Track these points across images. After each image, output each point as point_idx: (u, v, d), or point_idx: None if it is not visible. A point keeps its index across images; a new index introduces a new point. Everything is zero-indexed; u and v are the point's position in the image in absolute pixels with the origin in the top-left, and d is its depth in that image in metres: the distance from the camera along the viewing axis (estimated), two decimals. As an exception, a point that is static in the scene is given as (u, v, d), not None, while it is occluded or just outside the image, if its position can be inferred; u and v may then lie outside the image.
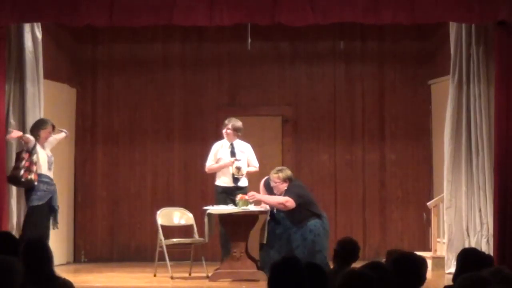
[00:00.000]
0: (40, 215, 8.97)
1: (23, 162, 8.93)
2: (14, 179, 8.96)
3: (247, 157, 9.93)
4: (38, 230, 8.80)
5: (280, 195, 9.16)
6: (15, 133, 9.08)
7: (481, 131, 9.37)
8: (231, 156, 9.82)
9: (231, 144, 9.89)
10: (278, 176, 9.20)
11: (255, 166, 9.94)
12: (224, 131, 9.91)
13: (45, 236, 8.82)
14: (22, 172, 8.89)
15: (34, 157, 8.98)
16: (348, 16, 8.88)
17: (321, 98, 11.98)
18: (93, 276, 9.88)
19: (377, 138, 11.91)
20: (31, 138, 9.08)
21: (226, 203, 9.61)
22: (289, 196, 9.04)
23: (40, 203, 8.97)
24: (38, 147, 9.09)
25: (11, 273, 4.14)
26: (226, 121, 9.98)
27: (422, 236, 11.74)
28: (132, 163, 11.88)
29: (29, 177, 8.90)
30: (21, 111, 9.34)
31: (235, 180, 9.75)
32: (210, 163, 9.92)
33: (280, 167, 9.50)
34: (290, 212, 9.01)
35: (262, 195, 9.28)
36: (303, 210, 9.01)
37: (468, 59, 9.49)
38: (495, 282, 3.79)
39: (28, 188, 9.01)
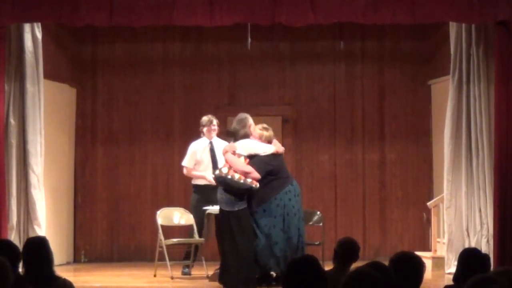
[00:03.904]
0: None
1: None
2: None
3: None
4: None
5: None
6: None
7: (481, 131, 9.36)
8: (211, 154, 9.80)
9: (210, 143, 9.88)
10: (262, 134, 8.84)
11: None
12: (207, 128, 9.83)
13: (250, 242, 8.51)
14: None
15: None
16: (348, 16, 8.88)
17: (321, 98, 11.98)
18: (93, 276, 9.88)
19: (377, 138, 11.92)
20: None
21: (199, 203, 9.62)
22: (253, 167, 8.58)
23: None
24: None
25: (3, 271, 4.13)
26: (206, 118, 9.92)
27: (422, 236, 11.75)
28: (132, 163, 11.89)
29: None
30: (21, 111, 9.33)
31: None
32: (190, 166, 9.85)
33: (267, 126, 8.99)
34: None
35: (230, 156, 8.72)
36: (271, 181, 8.61)
37: (468, 59, 9.48)
38: (503, 282, 3.79)
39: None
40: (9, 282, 4.14)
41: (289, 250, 8.45)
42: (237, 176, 8.54)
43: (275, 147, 8.80)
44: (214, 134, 9.90)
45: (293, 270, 3.84)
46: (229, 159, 8.69)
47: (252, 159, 8.68)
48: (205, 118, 9.97)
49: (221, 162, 9.64)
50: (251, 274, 8.49)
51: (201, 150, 9.88)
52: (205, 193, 9.72)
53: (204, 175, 9.77)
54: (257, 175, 8.54)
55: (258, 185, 8.53)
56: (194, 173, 9.88)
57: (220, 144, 9.82)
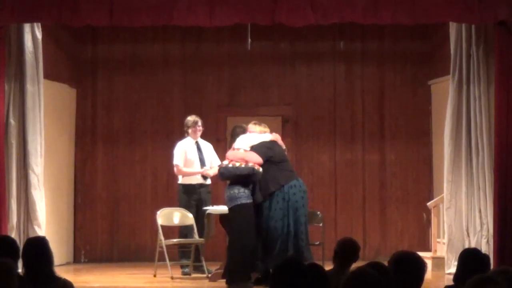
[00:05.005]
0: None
1: None
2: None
3: (210, 156, 10.00)
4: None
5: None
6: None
7: (481, 131, 9.36)
8: (198, 153, 9.90)
9: (197, 142, 9.93)
10: (255, 127, 8.97)
11: (217, 164, 9.92)
12: (193, 129, 9.92)
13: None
14: None
15: None
16: (348, 16, 8.88)
17: (321, 98, 11.98)
18: (93, 276, 9.88)
19: (377, 138, 11.91)
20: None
21: (189, 204, 9.69)
22: (255, 152, 8.71)
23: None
24: None
25: (10, 274, 4.13)
26: (191, 118, 9.99)
27: (422, 236, 11.74)
28: (132, 163, 11.89)
29: None
30: (21, 111, 9.33)
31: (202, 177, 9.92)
32: (180, 165, 9.87)
33: (257, 121, 9.13)
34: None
35: (229, 152, 8.87)
36: (276, 171, 8.68)
37: (468, 59, 9.48)
38: (502, 282, 3.79)
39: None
40: (15, 286, 4.14)
41: (288, 246, 8.46)
42: (238, 164, 8.62)
43: (272, 135, 8.90)
44: (199, 134, 9.96)
45: (277, 273, 3.85)
46: (229, 155, 8.79)
47: (253, 146, 8.79)
48: (190, 119, 10.01)
49: (208, 161, 9.74)
50: (250, 270, 8.50)
51: (190, 149, 9.92)
52: (193, 192, 9.82)
53: (197, 171, 9.85)
54: (258, 159, 8.61)
55: (260, 169, 8.57)
56: (187, 170, 9.88)
57: (205, 144, 9.95)
